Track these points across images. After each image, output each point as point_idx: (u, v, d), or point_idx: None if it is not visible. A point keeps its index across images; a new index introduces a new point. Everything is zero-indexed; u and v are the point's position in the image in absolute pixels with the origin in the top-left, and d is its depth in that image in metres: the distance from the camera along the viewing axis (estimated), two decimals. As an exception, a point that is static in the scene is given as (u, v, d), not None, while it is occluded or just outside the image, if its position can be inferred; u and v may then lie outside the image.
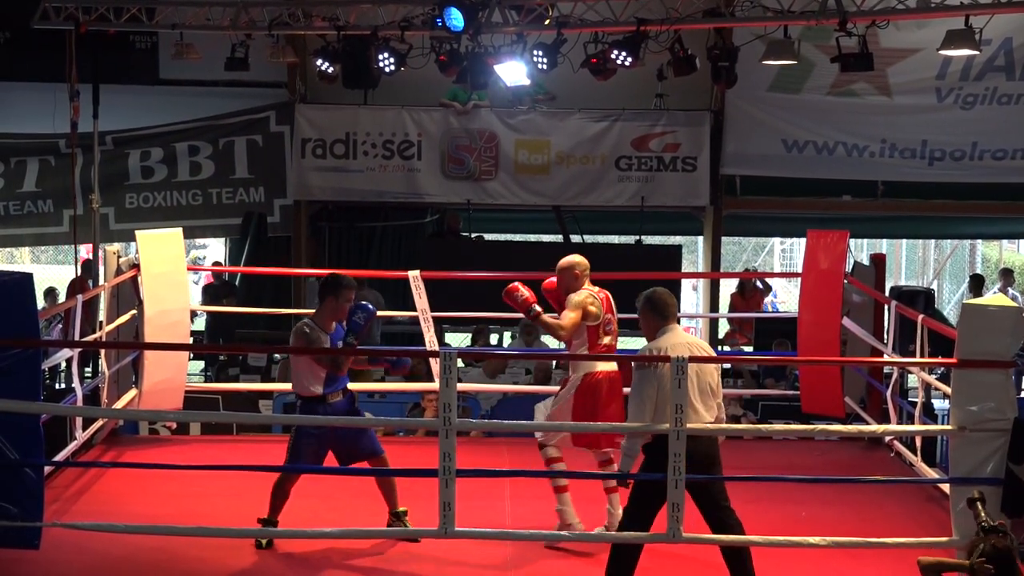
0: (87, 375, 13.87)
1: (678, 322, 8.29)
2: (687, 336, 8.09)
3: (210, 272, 20.32)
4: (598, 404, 8.85)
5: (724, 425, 7.91)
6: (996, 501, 7.90)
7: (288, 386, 14.07)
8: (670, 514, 7.79)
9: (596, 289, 9.17)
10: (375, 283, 19.20)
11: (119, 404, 11.34)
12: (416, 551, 8.66)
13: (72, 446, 10.50)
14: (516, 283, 9.10)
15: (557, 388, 12.71)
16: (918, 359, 10.43)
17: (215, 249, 23.66)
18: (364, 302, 9.11)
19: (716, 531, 7.89)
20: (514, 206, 19.86)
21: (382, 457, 9.10)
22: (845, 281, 11.73)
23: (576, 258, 9.25)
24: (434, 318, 12.23)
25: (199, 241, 26.27)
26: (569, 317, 8.92)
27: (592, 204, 19.65)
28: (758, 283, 19.43)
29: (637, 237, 19.67)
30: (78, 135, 17.19)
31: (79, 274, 18.53)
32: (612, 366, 8.98)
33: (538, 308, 9.08)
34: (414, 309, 12.21)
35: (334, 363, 8.92)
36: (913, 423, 10.73)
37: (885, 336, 11.58)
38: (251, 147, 19.68)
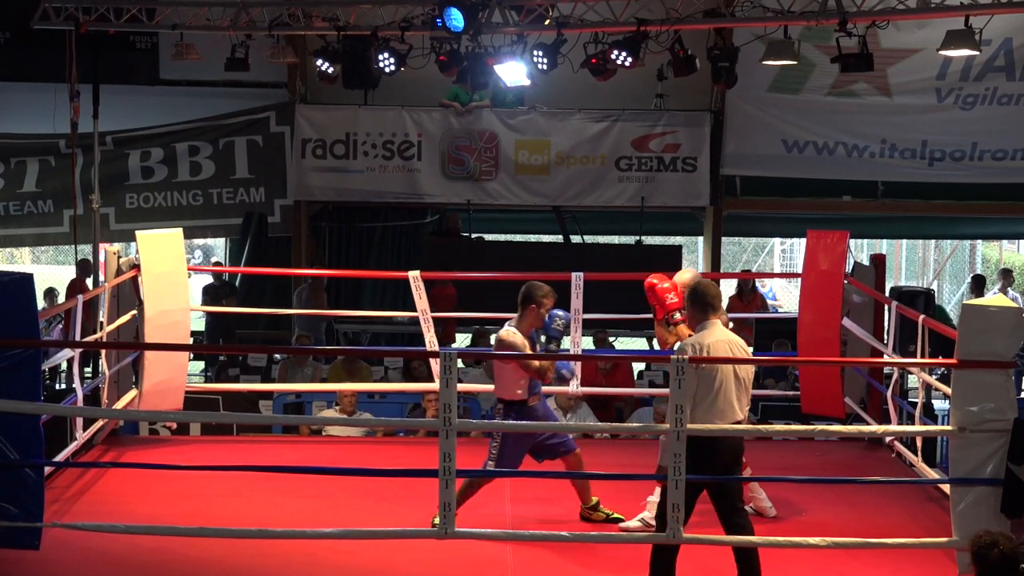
0: (87, 375, 13.86)
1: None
2: (727, 333, 8.11)
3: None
4: None
5: (724, 425, 7.89)
6: (996, 502, 7.91)
7: (286, 386, 14.19)
8: (669, 514, 7.80)
9: None
10: (375, 283, 19.22)
11: (119, 404, 11.33)
12: (416, 552, 8.64)
13: (72, 446, 10.49)
14: (659, 282, 9.14)
15: (557, 388, 12.80)
16: (918, 359, 10.43)
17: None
18: (557, 310, 9.31)
19: (728, 531, 7.94)
20: (514, 206, 19.86)
21: (576, 454, 9.37)
22: (845, 281, 11.72)
23: (687, 275, 9.27)
24: (434, 318, 12.23)
25: (198, 241, 26.27)
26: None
27: (592, 204, 19.65)
28: (758, 286, 19.37)
29: (637, 237, 19.68)
30: (78, 135, 17.18)
31: (77, 274, 18.56)
32: None
33: (678, 315, 9.03)
34: (414, 309, 12.21)
35: (539, 371, 9.15)
36: (913, 423, 10.73)
37: (885, 336, 11.57)
38: (251, 147, 19.68)
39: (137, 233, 11.64)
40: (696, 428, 7.79)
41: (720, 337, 7.99)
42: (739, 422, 7.97)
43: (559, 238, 20.29)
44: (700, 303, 8.09)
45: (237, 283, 19.61)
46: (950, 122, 18.95)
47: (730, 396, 7.89)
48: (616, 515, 9.37)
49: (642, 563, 7.98)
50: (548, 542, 8.69)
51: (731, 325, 8.50)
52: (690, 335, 8.17)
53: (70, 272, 19.60)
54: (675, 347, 8.45)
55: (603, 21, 15.45)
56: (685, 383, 7.74)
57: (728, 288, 21.08)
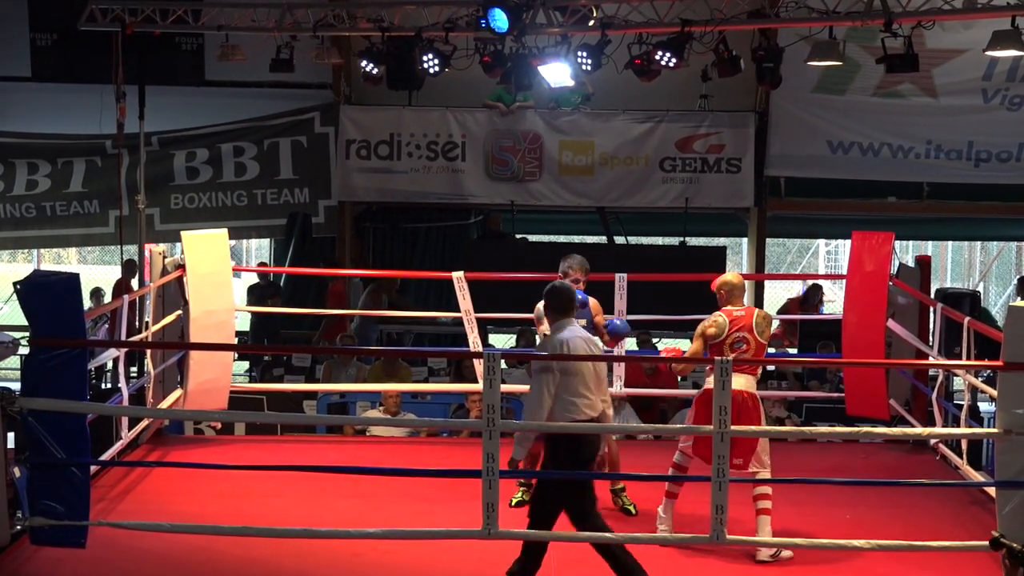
0: (133, 375, 13.93)
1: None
2: (581, 331, 8.32)
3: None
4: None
5: (769, 427, 7.87)
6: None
7: (330, 387, 14.23)
8: (714, 516, 7.77)
9: (740, 309, 9.00)
10: (419, 283, 19.26)
11: (164, 404, 11.41)
12: (460, 552, 8.65)
13: (118, 446, 10.57)
14: None
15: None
16: (963, 361, 10.37)
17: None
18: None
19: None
20: (558, 207, 19.85)
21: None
22: (890, 283, 11.67)
23: (724, 278, 9.20)
24: (478, 319, 12.23)
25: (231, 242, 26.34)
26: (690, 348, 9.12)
27: (636, 205, 19.63)
28: (820, 301, 19.21)
29: (681, 239, 19.63)
30: (124, 136, 17.27)
31: (123, 274, 18.65)
32: (740, 384, 8.72)
33: None
34: (458, 310, 12.22)
35: None
36: (959, 426, 10.67)
37: (930, 338, 11.52)
38: (296, 148, 19.73)
39: (182, 233, 11.72)
40: (742, 429, 7.77)
41: (578, 334, 8.21)
42: (595, 418, 8.13)
43: (603, 239, 20.28)
44: (558, 305, 8.28)
45: (282, 283, 19.67)
46: (996, 123, 18.84)
47: (583, 390, 8.04)
48: (630, 507, 9.56)
49: (686, 565, 7.97)
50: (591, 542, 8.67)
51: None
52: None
53: (116, 272, 19.71)
54: (537, 343, 8.90)
55: (647, 22, 15.42)
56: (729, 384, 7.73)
57: (775, 287, 21.03)
